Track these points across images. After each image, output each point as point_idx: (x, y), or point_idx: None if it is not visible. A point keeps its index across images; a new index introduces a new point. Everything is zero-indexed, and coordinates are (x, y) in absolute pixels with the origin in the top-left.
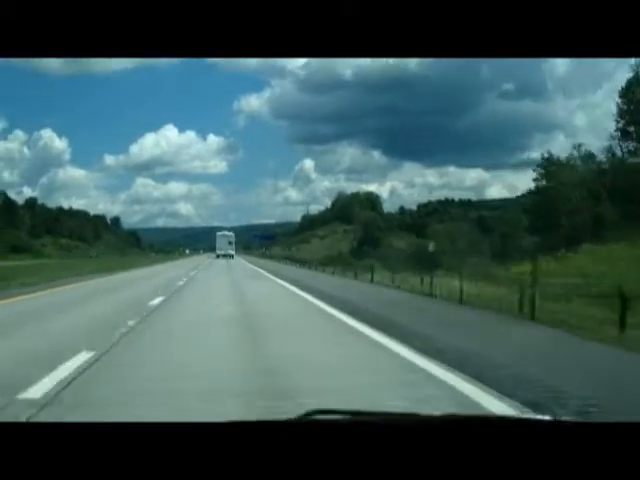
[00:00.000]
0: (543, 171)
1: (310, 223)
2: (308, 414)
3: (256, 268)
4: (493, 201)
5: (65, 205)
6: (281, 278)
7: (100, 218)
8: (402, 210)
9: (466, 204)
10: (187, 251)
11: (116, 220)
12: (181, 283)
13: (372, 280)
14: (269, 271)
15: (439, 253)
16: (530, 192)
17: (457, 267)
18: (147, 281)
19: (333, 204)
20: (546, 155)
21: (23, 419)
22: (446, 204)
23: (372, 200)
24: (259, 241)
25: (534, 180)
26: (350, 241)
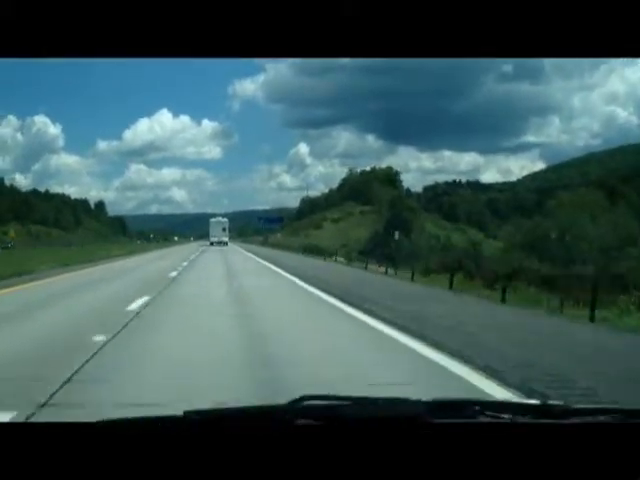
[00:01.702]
0: None
1: (310, 207)
2: (298, 400)
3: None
4: (497, 184)
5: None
6: None
7: (81, 202)
8: (408, 192)
9: (474, 186)
10: (176, 238)
11: (100, 205)
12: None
13: None
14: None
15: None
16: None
17: None
18: None
19: (342, 183)
20: None
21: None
22: (454, 186)
23: (391, 177)
24: (264, 224)
25: None
26: (370, 224)
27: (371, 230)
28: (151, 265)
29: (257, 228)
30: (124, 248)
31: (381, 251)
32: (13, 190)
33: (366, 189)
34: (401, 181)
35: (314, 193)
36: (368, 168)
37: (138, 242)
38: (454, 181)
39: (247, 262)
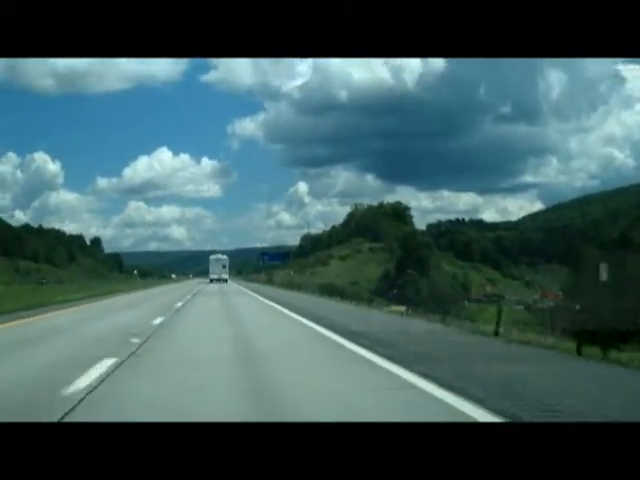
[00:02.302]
0: None
1: (312, 244)
2: None
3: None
4: (501, 223)
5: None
6: None
7: (76, 238)
8: (413, 230)
9: (478, 224)
10: (173, 276)
11: (96, 241)
12: None
13: None
14: None
15: None
16: None
17: None
18: None
19: (348, 219)
20: None
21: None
22: (457, 224)
23: (400, 212)
24: (267, 261)
25: None
26: (381, 261)
27: (381, 268)
28: (96, 325)
29: (257, 265)
30: (107, 287)
31: (396, 291)
32: (3, 225)
33: (374, 225)
34: (411, 216)
35: (314, 231)
36: (375, 203)
37: (133, 279)
38: (457, 219)
39: (270, 322)
